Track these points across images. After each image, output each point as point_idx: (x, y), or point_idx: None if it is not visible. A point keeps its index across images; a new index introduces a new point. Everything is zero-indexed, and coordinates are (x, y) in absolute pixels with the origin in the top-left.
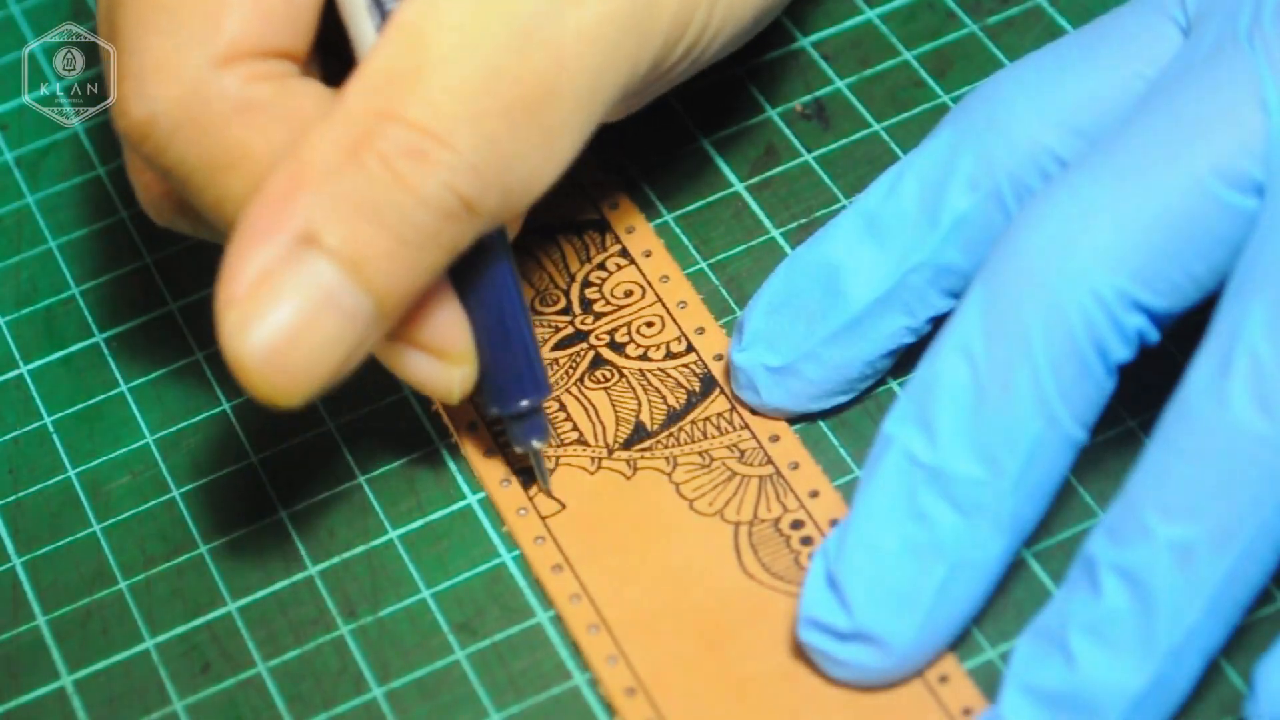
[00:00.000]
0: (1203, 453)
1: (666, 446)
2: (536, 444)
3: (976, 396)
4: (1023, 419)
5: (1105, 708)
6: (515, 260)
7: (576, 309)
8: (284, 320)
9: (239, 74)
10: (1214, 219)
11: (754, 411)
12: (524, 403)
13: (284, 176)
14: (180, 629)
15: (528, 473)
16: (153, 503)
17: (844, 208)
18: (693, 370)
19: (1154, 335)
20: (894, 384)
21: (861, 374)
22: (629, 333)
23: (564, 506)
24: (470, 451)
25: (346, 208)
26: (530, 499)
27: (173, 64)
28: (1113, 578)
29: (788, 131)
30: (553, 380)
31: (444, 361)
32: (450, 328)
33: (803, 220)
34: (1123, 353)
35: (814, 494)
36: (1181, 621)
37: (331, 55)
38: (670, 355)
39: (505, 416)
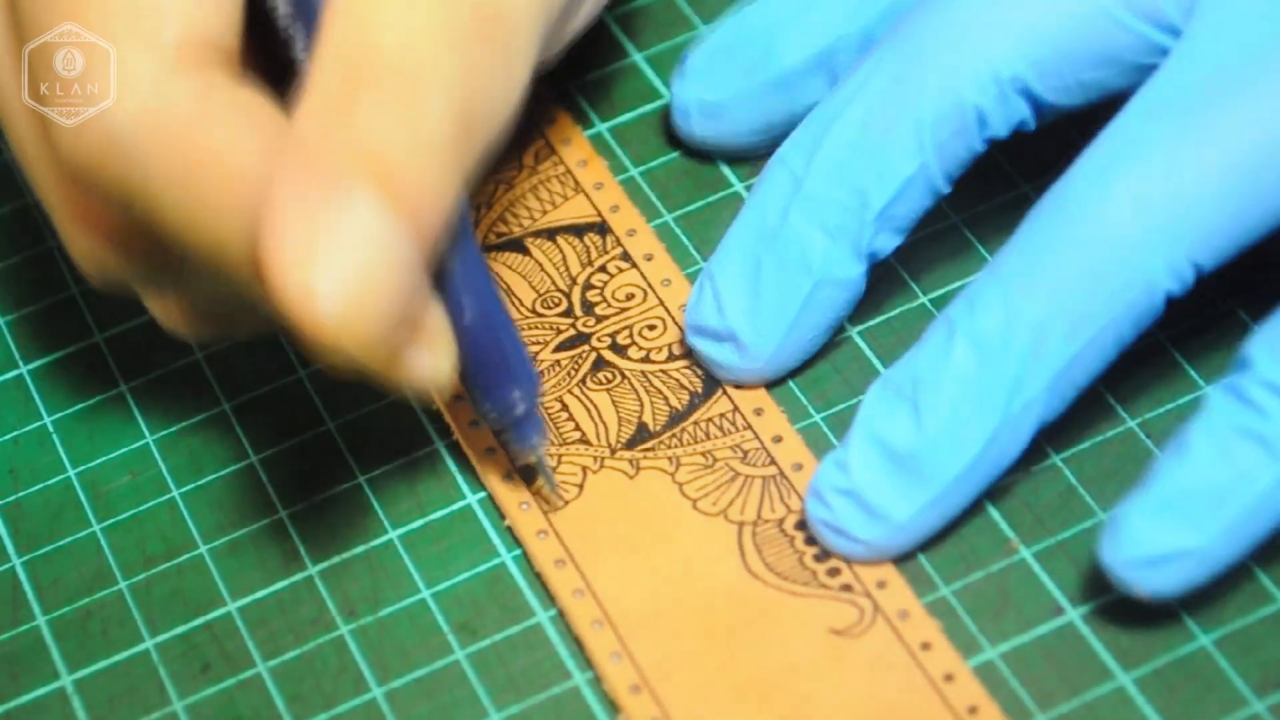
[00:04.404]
0: (1075, 244)
1: (669, 447)
2: (537, 445)
3: (861, 133)
4: (896, 159)
5: (941, 470)
6: (504, 289)
7: (578, 311)
8: (347, 268)
9: (197, 75)
10: (1116, 38)
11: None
12: (516, 394)
13: (293, 143)
14: (180, 629)
15: (529, 469)
16: (153, 503)
17: None
18: (695, 372)
19: (1031, 125)
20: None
21: (783, 121)
22: (631, 335)
23: (567, 503)
24: (471, 449)
25: (364, 147)
26: (533, 493)
27: (126, 72)
28: (965, 342)
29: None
30: (553, 382)
31: (431, 350)
32: (428, 312)
33: None
34: (1000, 130)
35: None
36: (1022, 392)
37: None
38: (672, 357)
39: (502, 423)
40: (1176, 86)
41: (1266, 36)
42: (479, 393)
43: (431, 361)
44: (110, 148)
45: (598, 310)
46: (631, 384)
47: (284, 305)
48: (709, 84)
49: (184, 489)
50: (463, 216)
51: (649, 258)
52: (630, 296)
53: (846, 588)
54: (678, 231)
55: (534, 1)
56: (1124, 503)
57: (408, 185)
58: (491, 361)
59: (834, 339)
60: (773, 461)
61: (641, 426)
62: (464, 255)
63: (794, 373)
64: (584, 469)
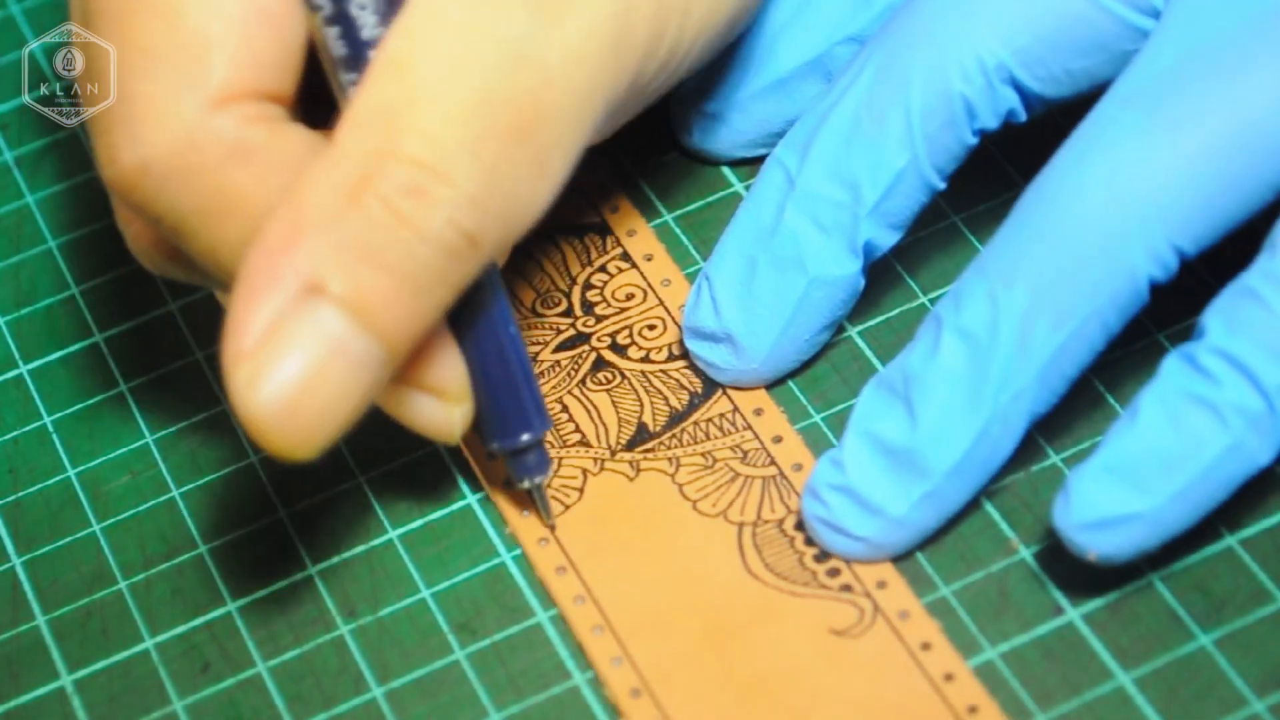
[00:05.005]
0: (1054, 234)
1: (669, 447)
2: (538, 479)
3: (852, 127)
4: (887, 152)
5: (934, 463)
6: (508, 292)
7: (578, 311)
8: (294, 373)
9: (233, 117)
10: (1100, 25)
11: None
12: (525, 437)
13: (284, 223)
14: (180, 629)
15: (525, 492)
16: (153, 503)
17: None
18: (695, 372)
19: (1021, 115)
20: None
21: (782, 127)
22: (630, 335)
23: (567, 507)
24: (471, 450)
25: (350, 253)
26: (527, 496)
27: (164, 109)
28: (953, 338)
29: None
30: (553, 382)
31: (443, 401)
32: (447, 366)
33: None
34: (989, 121)
35: None
36: (1010, 384)
37: (312, 101)
38: (672, 357)
39: (505, 453)
40: (1151, 72)
41: (1239, 18)
42: (488, 432)
43: (444, 414)
44: (141, 177)
45: (598, 310)
46: (631, 384)
47: (228, 391)
48: (707, 94)
49: (184, 489)
50: (492, 267)
51: (649, 258)
52: (630, 296)
53: (846, 588)
54: (678, 231)
55: (586, 100)
56: (1077, 467)
57: (380, 304)
58: (505, 407)
59: (833, 339)
60: (773, 462)
61: (641, 427)
62: (489, 303)
63: (794, 373)
64: (584, 471)
